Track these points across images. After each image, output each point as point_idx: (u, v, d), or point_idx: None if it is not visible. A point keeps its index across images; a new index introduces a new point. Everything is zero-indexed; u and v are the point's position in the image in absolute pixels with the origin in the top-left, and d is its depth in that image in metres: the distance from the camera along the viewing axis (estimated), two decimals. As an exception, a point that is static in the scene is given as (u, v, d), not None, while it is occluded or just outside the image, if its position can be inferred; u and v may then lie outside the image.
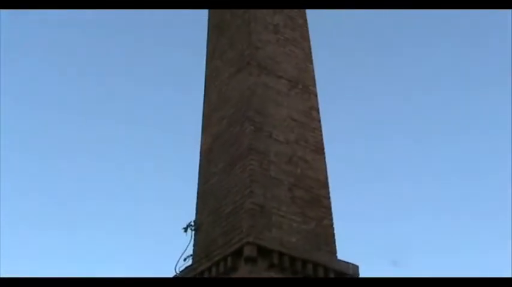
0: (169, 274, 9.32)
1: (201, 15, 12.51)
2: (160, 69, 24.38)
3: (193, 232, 9.67)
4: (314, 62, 11.18)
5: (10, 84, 21.76)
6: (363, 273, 9.05)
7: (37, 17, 22.17)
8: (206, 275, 8.79)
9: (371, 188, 21.86)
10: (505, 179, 19.57)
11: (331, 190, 9.77)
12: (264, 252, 8.40)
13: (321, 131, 10.32)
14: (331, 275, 8.75)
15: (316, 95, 10.71)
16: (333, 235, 9.39)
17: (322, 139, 10.23)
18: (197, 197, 10.08)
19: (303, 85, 10.70)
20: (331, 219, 9.49)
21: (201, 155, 10.50)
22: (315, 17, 12.03)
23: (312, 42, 11.46)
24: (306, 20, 11.74)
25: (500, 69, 22.50)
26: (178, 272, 9.30)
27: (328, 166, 9.99)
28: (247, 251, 8.31)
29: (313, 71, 11.05)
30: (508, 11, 18.79)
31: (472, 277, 8.53)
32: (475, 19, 22.88)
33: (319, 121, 10.42)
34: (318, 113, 10.51)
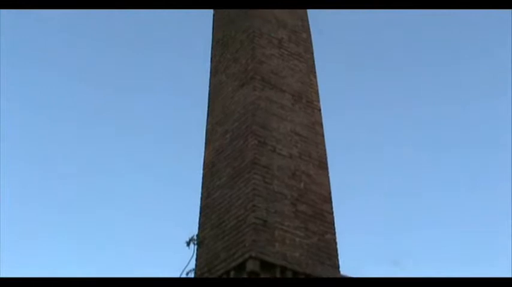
0: (172, 287, 9.31)
1: (205, 29, 12.59)
2: (164, 83, 24.37)
3: (195, 246, 9.65)
4: (318, 75, 11.24)
5: (10, 85, 21.74)
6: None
7: (37, 17, 22.20)
8: (208, 289, 8.77)
9: (373, 200, 21.82)
10: (506, 181, 19.50)
11: (333, 203, 9.79)
12: (266, 266, 8.38)
13: (324, 145, 10.33)
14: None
15: (319, 110, 10.73)
16: (336, 249, 9.37)
17: (325, 154, 10.24)
18: (200, 211, 10.07)
19: (307, 100, 10.72)
20: (334, 234, 9.47)
21: (204, 169, 10.51)
22: (318, 19, 12.09)
23: (315, 54, 11.53)
24: (309, 35, 11.82)
25: (500, 71, 22.40)
26: (180, 286, 9.28)
27: (331, 180, 10.01)
28: (250, 265, 8.30)
29: (317, 85, 11.09)
30: (508, 11, 18.78)
31: (472, 277, 8.49)
32: (475, 19, 22.88)
33: (323, 136, 10.44)
34: (322, 127, 10.53)
